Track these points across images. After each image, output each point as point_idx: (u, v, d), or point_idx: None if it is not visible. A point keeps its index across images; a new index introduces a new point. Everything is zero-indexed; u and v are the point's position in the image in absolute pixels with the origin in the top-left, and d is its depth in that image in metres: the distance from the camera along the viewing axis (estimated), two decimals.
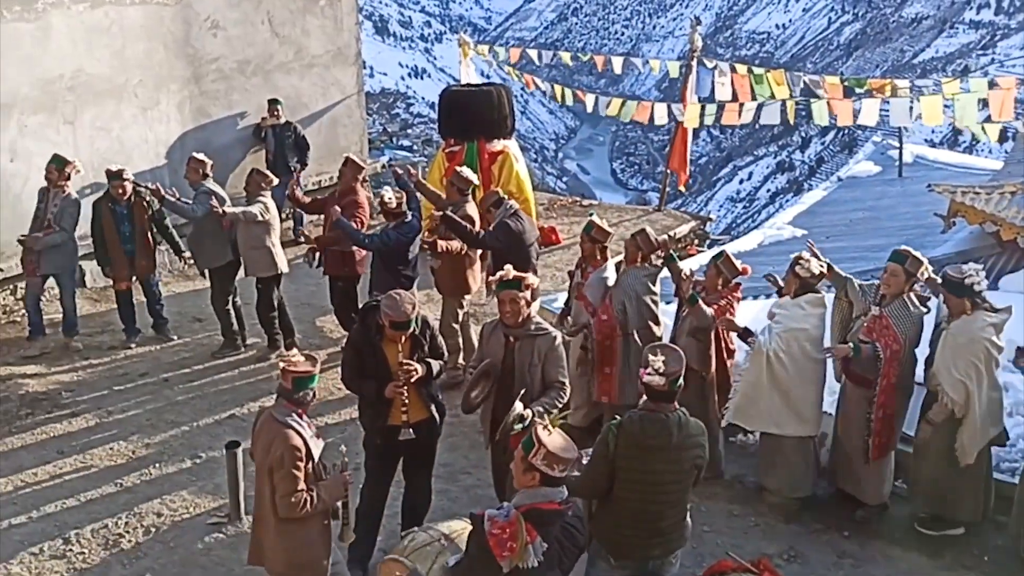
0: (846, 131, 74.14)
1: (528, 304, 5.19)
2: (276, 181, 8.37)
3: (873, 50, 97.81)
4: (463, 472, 6.60)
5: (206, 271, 8.32)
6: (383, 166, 14.64)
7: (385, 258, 7.42)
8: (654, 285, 6.57)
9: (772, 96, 11.69)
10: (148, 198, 8.18)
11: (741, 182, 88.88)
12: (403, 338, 5.01)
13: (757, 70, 12.38)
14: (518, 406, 4.89)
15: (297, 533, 4.41)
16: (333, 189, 8.76)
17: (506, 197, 7.79)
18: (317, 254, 8.24)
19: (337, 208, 7.61)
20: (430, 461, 5.56)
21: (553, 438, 3.61)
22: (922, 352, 5.89)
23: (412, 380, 5.05)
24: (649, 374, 4.17)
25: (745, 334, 6.07)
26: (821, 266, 5.97)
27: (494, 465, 5.59)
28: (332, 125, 12.57)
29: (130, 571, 5.56)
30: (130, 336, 8.60)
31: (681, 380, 4.25)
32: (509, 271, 5.17)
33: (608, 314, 6.50)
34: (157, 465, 6.68)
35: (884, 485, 5.99)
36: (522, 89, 15.87)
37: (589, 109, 13.61)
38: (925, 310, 5.80)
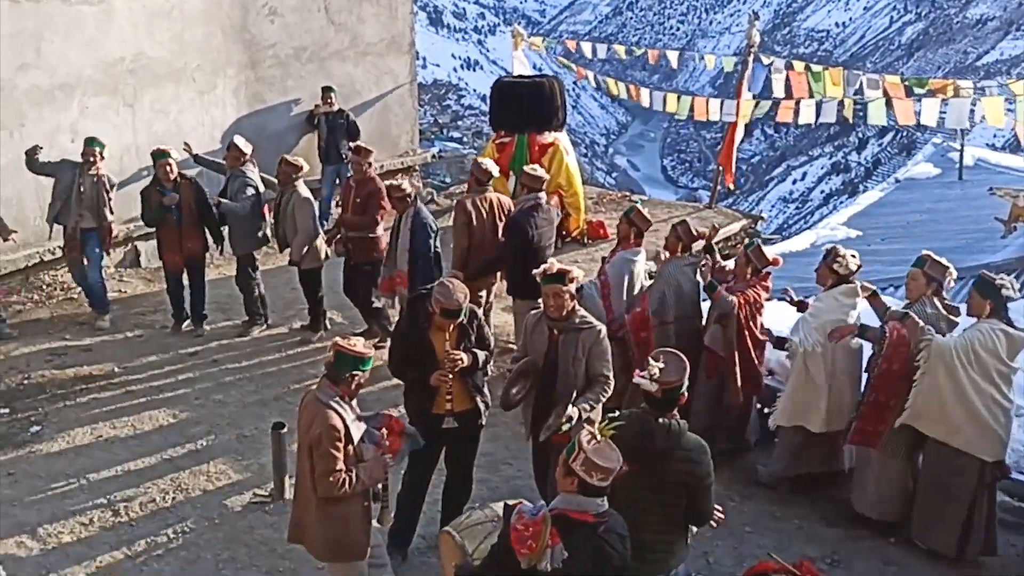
0: (905, 133, 72.86)
1: (572, 298, 5.16)
2: (307, 168, 8.40)
3: (935, 51, 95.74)
4: (504, 463, 6.61)
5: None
6: (433, 156, 14.74)
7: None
8: (695, 276, 6.60)
9: (825, 95, 11.49)
10: (194, 180, 8.32)
11: (794, 182, 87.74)
12: (451, 327, 5.03)
13: (815, 67, 12.16)
14: (572, 411, 4.88)
15: (337, 514, 4.42)
16: (348, 178, 8.84)
17: (542, 186, 7.70)
18: (348, 246, 8.29)
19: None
20: (473, 450, 5.56)
21: (596, 446, 3.55)
22: None
23: (458, 369, 5.06)
24: (641, 376, 4.11)
25: (779, 342, 6.17)
26: (857, 262, 5.99)
27: (535, 457, 5.58)
28: (384, 114, 12.65)
29: (176, 545, 5.66)
30: (178, 320, 8.76)
31: (681, 392, 4.14)
32: (552, 265, 5.15)
33: (643, 306, 6.52)
34: (204, 443, 6.80)
35: (876, 498, 5.83)
36: (574, 83, 15.81)
37: (645, 104, 13.50)
38: (954, 319, 5.67)
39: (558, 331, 5.15)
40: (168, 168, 8.15)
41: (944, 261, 5.67)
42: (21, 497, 6.05)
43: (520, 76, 12.79)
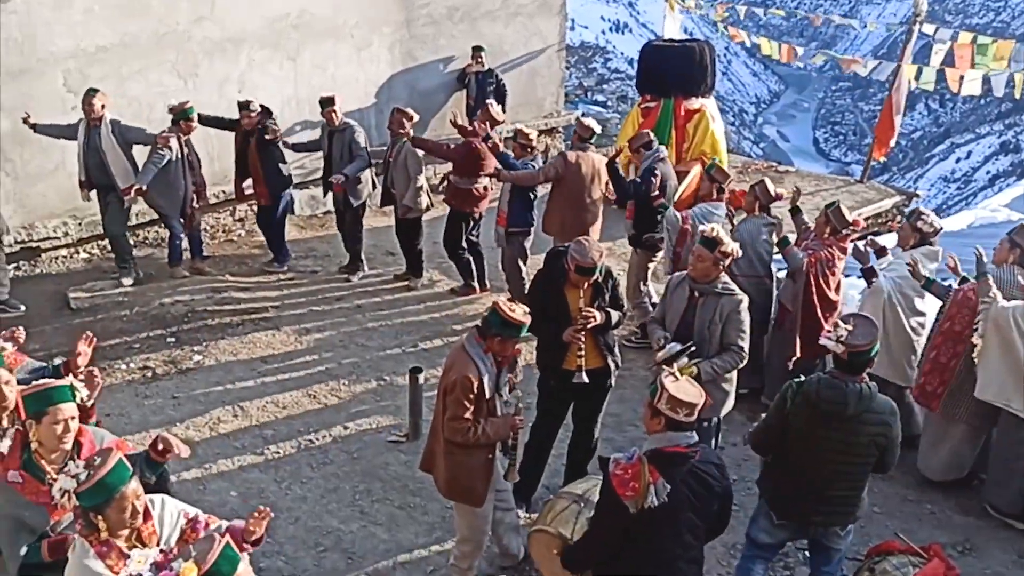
0: None
1: (716, 265, 5.12)
2: (417, 118, 8.51)
3: None
4: (630, 424, 6.70)
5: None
6: (577, 119, 14.76)
7: (520, 189, 7.93)
8: (770, 236, 6.77)
9: (991, 69, 10.81)
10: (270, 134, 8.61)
11: (958, 161, 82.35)
12: (586, 284, 5.12)
13: (983, 39, 11.42)
14: (683, 361, 4.93)
15: (461, 460, 4.61)
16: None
17: (655, 140, 7.97)
18: (445, 183, 8.59)
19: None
20: (599, 408, 5.65)
21: (678, 384, 3.67)
22: None
23: (590, 326, 5.16)
24: (827, 336, 4.11)
25: (869, 272, 6.29)
26: (940, 223, 6.21)
27: None
28: (531, 75, 12.75)
29: (318, 474, 6.07)
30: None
31: (871, 356, 4.14)
32: (713, 229, 5.15)
33: None
34: (346, 383, 7.19)
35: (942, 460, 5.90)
36: (726, 49, 15.43)
37: (790, 58, 13.09)
38: None
39: (699, 294, 5.18)
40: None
41: None
42: (184, 419, 6.61)
43: (670, 40, 12.61)
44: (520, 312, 4.45)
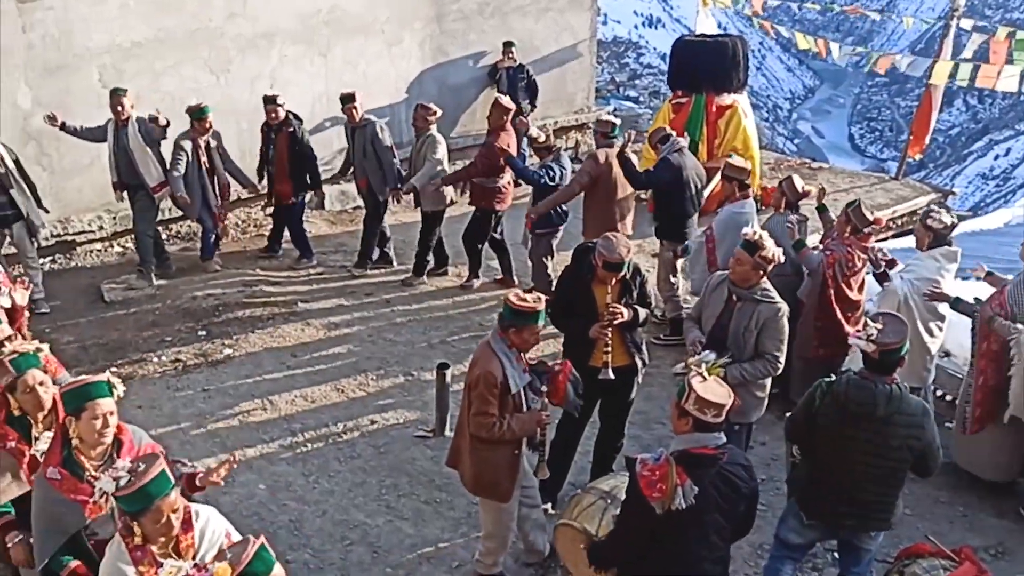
0: None
1: (756, 269, 5.00)
2: (440, 113, 8.51)
3: None
4: (657, 422, 6.66)
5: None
6: (608, 114, 14.69)
7: (544, 192, 7.88)
8: (798, 233, 6.66)
9: None
10: (299, 131, 8.65)
11: (996, 158, 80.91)
12: (613, 280, 5.08)
13: (1021, 34, 11.17)
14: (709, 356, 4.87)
15: (486, 455, 4.60)
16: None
17: (673, 134, 7.89)
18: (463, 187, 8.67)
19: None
20: (626, 406, 5.62)
21: (706, 384, 3.62)
22: None
23: (617, 323, 5.12)
24: (858, 336, 4.04)
25: (882, 277, 6.18)
26: (953, 218, 6.05)
27: None
28: (562, 70, 12.70)
29: (345, 468, 6.10)
30: (270, 247, 9.44)
31: (901, 355, 4.07)
32: (756, 233, 5.07)
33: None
34: (374, 377, 7.22)
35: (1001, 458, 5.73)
36: (760, 44, 15.27)
37: (833, 56, 12.92)
38: None
39: (737, 297, 5.10)
40: (275, 114, 8.58)
41: None
42: (214, 411, 6.68)
43: (702, 35, 12.51)
44: (531, 299, 4.44)
